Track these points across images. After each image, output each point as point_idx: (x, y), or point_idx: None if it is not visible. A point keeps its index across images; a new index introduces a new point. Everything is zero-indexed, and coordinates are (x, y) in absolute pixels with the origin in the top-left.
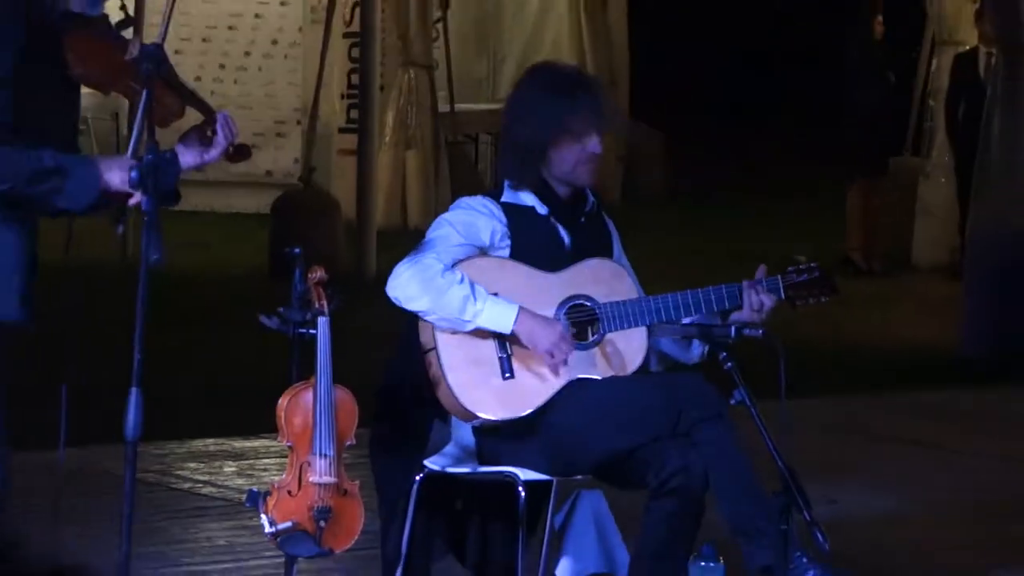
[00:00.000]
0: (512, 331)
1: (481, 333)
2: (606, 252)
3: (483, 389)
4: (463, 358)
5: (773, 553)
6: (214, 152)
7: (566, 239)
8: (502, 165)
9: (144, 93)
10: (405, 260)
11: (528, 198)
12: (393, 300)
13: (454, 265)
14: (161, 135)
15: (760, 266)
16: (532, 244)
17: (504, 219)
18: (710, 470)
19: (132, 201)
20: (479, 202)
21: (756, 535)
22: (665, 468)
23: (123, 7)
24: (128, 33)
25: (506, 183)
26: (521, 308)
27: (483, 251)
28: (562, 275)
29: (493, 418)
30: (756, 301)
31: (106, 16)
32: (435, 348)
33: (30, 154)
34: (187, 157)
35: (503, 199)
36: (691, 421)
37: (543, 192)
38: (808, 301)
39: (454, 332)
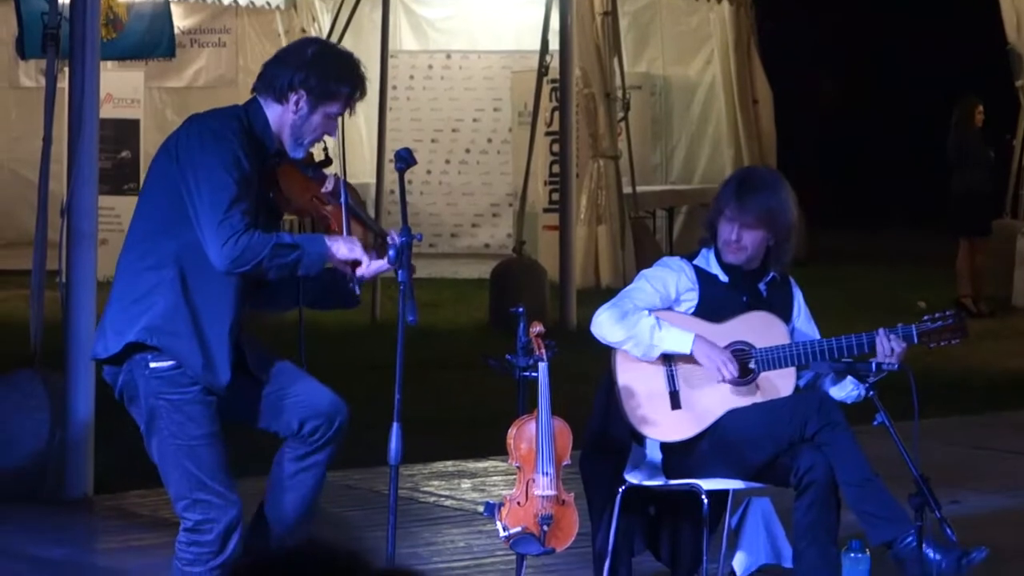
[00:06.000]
0: (691, 351)
1: (655, 372)
2: (781, 313)
3: (653, 416)
4: (639, 391)
5: (891, 530)
6: (388, 260)
7: (744, 302)
8: (700, 236)
9: (399, 184)
10: (606, 304)
11: (715, 267)
12: (596, 337)
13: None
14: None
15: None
16: (713, 303)
17: (695, 277)
18: (834, 466)
19: (360, 271)
20: (675, 262)
21: (875, 516)
22: (799, 469)
23: (325, 149)
24: (328, 170)
25: (702, 250)
26: (697, 335)
27: (669, 299)
28: (725, 325)
29: (661, 439)
30: (888, 348)
31: (311, 155)
32: (617, 383)
33: (271, 235)
34: (375, 264)
35: (696, 261)
36: (814, 429)
37: (724, 264)
38: (941, 343)
39: (632, 368)
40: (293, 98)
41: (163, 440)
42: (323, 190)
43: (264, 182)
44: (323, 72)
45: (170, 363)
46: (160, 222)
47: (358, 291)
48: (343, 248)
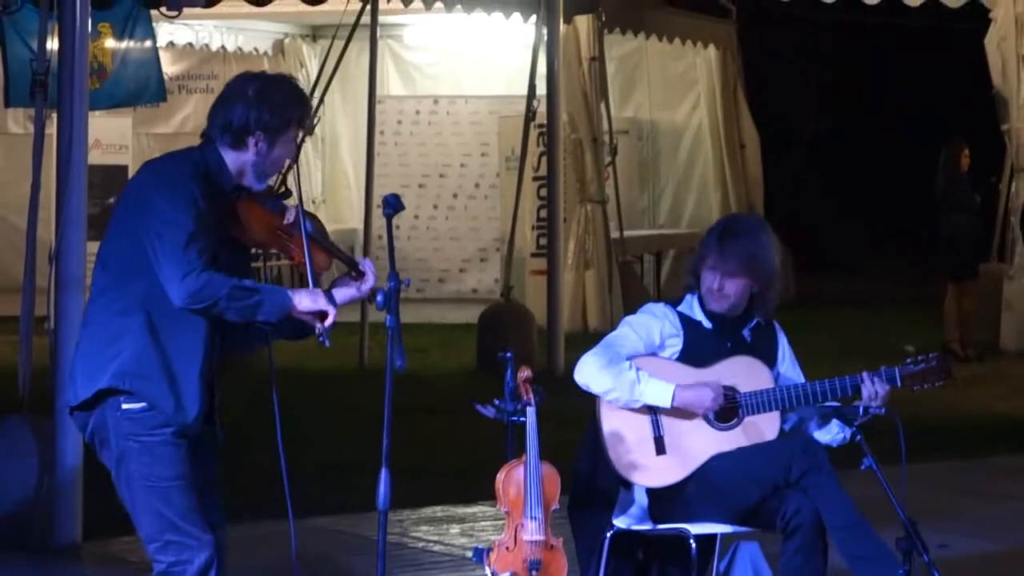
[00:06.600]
0: (672, 405)
1: (640, 418)
2: (765, 359)
3: (639, 462)
4: (624, 437)
5: (880, 571)
6: (366, 287)
7: (728, 348)
8: (684, 282)
9: (387, 229)
10: (590, 352)
11: (699, 313)
12: (580, 385)
13: (628, 359)
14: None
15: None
16: (697, 349)
17: (679, 323)
18: (820, 509)
19: (328, 322)
20: (659, 308)
21: (864, 559)
22: (786, 513)
23: (284, 181)
24: (289, 202)
25: (686, 295)
26: (677, 385)
27: (653, 345)
28: (710, 369)
29: (647, 485)
30: (872, 391)
31: (270, 187)
32: (602, 429)
33: (231, 278)
34: (346, 293)
35: (680, 308)
36: (799, 472)
37: (707, 310)
38: (924, 386)
39: (617, 414)
40: (252, 141)
41: (133, 482)
42: (285, 222)
43: (225, 219)
44: (273, 106)
45: (142, 404)
46: (125, 268)
47: (327, 343)
48: (306, 300)
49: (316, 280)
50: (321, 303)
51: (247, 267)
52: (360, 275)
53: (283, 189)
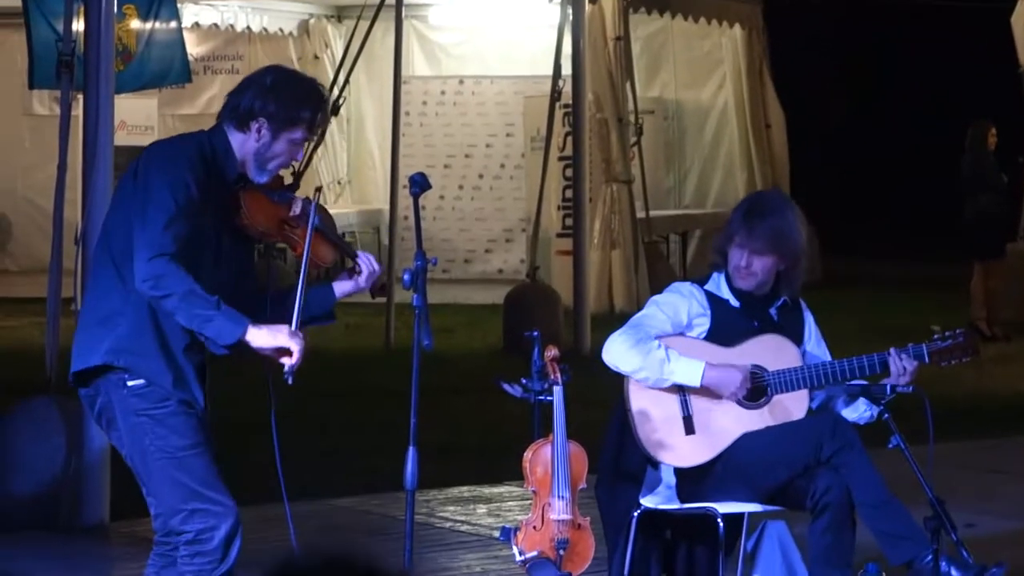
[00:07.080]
0: (701, 384)
1: (668, 398)
2: (792, 337)
3: (668, 441)
4: (653, 416)
5: (912, 548)
6: (362, 280)
7: (756, 327)
8: (711, 260)
9: (413, 209)
10: (617, 332)
11: (725, 291)
12: (608, 364)
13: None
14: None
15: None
16: (725, 328)
17: (706, 302)
18: (851, 487)
19: (295, 360)
20: (686, 287)
21: (895, 536)
22: (816, 491)
23: (293, 172)
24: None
25: (713, 274)
26: (707, 363)
27: (681, 325)
28: (737, 348)
29: (676, 465)
30: (900, 367)
31: (280, 178)
32: (631, 408)
33: (195, 283)
34: (343, 286)
35: (707, 286)
36: (830, 451)
37: (735, 288)
38: (952, 362)
39: (646, 394)
40: (255, 126)
41: (149, 456)
42: (291, 213)
43: (228, 207)
44: (282, 99)
45: (144, 380)
46: (124, 246)
47: (290, 381)
48: (263, 336)
49: (307, 274)
50: (281, 340)
51: (250, 259)
52: (359, 269)
53: (291, 181)
